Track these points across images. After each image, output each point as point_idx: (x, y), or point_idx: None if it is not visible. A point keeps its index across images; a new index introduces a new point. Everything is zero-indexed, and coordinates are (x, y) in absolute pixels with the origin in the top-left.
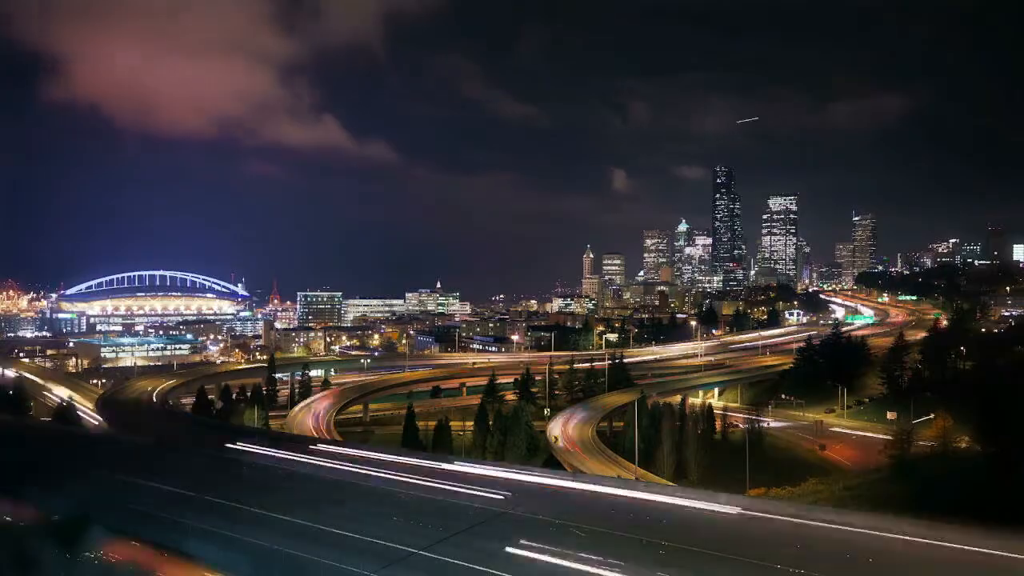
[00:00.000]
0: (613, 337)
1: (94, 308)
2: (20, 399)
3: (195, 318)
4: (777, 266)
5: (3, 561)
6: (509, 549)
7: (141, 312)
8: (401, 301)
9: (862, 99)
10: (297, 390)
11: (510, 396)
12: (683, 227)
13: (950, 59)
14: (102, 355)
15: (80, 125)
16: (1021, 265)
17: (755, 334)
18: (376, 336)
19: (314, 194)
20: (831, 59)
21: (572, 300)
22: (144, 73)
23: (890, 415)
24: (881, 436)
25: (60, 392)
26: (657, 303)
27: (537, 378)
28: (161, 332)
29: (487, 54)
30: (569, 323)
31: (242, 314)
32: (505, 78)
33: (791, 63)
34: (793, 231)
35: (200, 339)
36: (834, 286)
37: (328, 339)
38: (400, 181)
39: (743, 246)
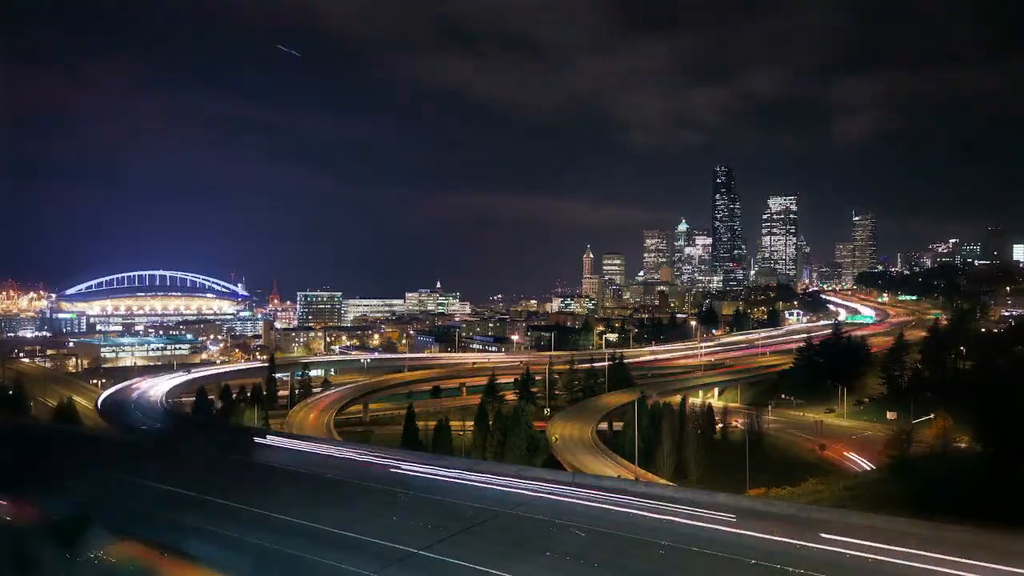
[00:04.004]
0: (613, 337)
1: (94, 308)
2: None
3: (195, 318)
4: (777, 266)
5: (3, 561)
6: None
7: (141, 312)
8: (401, 301)
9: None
10: (297, 390)
11: (510, 396)
12: (683, 227)
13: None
14: (102, 355)
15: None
16: (1021, 265)
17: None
18: (376, 336)
19: (315, 195)
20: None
21: (572, 300)
22: None
23: (890, 415)
24: (878, 435)
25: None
26: (657, 303)
27: (537, 378)
28: (161, 332)
29: None
30: (569, 323)
31: (242, 314)
32: None
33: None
34: (793, 231)
35: (200, 339)
36: (834, 286)
37: (328, 339)
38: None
39: (743, 246)
